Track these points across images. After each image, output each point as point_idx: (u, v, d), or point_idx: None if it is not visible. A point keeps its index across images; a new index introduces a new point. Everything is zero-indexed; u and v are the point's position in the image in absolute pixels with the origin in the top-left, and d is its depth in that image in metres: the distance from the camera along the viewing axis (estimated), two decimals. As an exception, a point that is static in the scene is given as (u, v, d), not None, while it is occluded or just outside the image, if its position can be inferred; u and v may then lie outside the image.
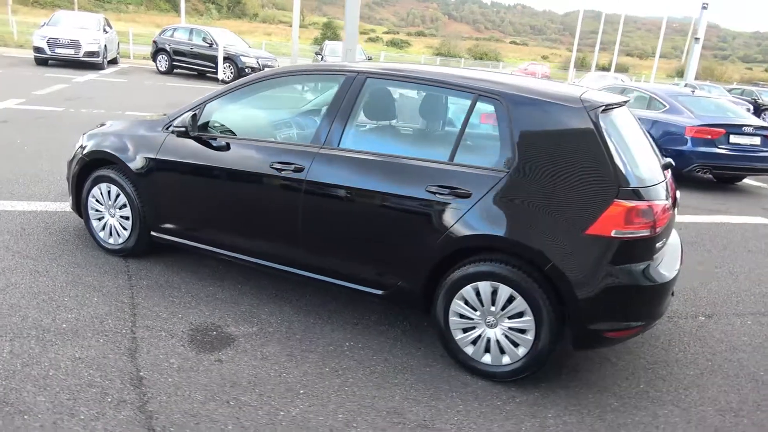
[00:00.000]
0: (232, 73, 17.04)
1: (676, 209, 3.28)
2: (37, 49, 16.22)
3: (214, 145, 3.45)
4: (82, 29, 16.99)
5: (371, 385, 2.80)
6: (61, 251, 3.98)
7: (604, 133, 2.70)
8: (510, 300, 2.77)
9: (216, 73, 17.48)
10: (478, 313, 2.87)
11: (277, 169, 3.20)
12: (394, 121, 3.36)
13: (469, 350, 2.93)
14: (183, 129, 3.43)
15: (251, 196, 3.36)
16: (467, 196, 2.79)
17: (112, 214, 3.92)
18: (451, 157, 2.91)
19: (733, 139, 8.08)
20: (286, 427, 2.44)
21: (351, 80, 3.19)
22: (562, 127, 2.75)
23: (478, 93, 2.93)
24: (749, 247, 5.72)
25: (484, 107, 2.92)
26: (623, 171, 2.68)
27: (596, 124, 2.70)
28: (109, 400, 2.50)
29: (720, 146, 8.02)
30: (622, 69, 52.74)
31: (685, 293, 4.34)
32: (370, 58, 20.35)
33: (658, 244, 2.77)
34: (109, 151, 3.81)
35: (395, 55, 44.26)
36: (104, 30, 17.83)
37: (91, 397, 2.51)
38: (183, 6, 28.27)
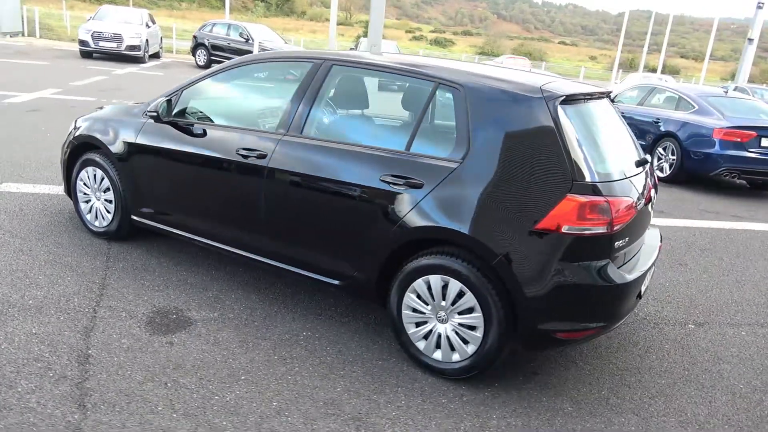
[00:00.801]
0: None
1: (650, 208, 3.11)
2: (82, 42, 16.87)
3: (186, 130, 3.47)
4: (126, 24, 17.57)
5: (316, 375, 2.76)
6: (50, 232, 4.10)
7: (563, 125, 2.58)
8: (460, 295, 2.68)
9: (252, 68, 17.74)
10: (429, 307, 2.79)
11: (242, 155, 3.20)
12: (357, 109, 3.31)
13: (421, 345, 2.86)
14: (155, 114, 3.47)
15: (219, 182, 3.36)
16: (420, 186, 2.72)
17: (98, 198, 4.00)
18: (408, 146, 2.83)
19: (765, 142, 7.65)
20: (217, 412, 2.43)
21: (317, 67, 3.15)
22: (518, 117, 2.64)
23: (438, 81, 2.85)
24: (767, 256, 5.40)
25: (444, 95, 2.84)
26: (581, 164, 2.55)
27: (555, 115, 2.58)
28: (51, 375, 2.55)
29: (750, 150, 7.61)
30: (674, 71, 50.84)
31: (680, 300, 4.12)
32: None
33: (618, 243, 2.62)
34: (93, 135, 3.90)
35: (438, 54, 44.00)
36: (147, 25, 18.37)
37: (34, 371, 2.56)
38: (228, 2, 28.83)
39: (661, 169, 8.44)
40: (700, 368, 3.21)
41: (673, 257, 5.03)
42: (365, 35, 44.42)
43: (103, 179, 3.92)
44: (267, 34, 18.74)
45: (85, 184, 4.06)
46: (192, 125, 3.47)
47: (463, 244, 2.64)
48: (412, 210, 2.72)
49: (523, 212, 2.53)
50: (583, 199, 2.48)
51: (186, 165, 3.48)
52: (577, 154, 2.56)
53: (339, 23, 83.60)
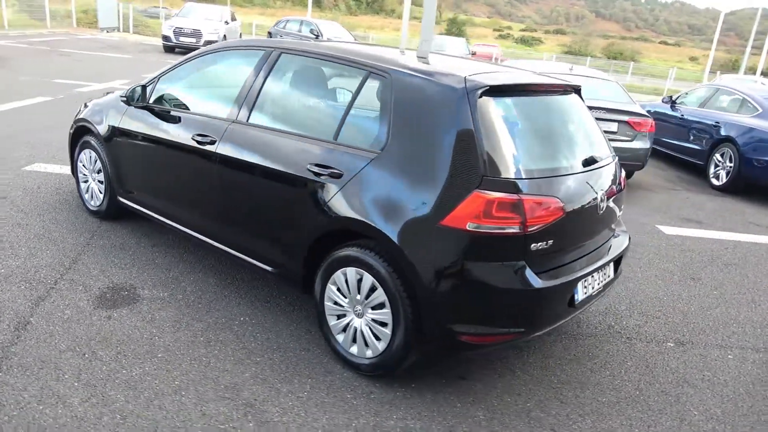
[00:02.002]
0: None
1: (609, 210, 2.86)
2: (165, 38, 17.98)
3: (157, 115, 3.61)
4: (206, 20, 18.51)
5: (231, 360, 2.78)
6: (53, 209, 4.40)
7: (482, 116, 2.43)
8: (373, 289, 2.61)
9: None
10: (347, 300, 2.74)
11: (197, 141, 3.28)
12: (301, 97, 3.28)
13: (340, 338, 2.81)
14: (125, 98, 3.62)
15: (178, 165, 3.47)
16: (339, 176, 2.67)
17: (93, 179, 4.25)
18: (336, 136, 2.79)
19: (837, 151, 6.84)
20: (117, 385, 2.51)
21: (267, 55, 3.18)
22: (436, 107, 2.52)
23: (369, 70, 2.78)
24: (805, 276, 4.83)
25: (373, 84, 2.76)
26: (497, 159, 2.40)
27: (473, 106, 2.44)
28: (-15, 338, 2.74)
29: (818, 159, 6.83)
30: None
31: (671, 315, 3.78)
32: (474, 53, 19.91)
33: (537, 245, 2.43)
34: (87, 118, 4.14)
35: (522, 53, 42.86)
36: (226, 21, 19.26)
37: (-28, 333, 2.76)
38: (310, 0, 29.62)
39: (717, 177, 7.77)
40: (656, 389, 2.93)
41: (686, 271, 4.62)
42: (448, 33, 44.27)
43: (96, 161, 4.16)
44: (337, 31, 19.07)
45: (84, 165, 4.32)
46: (161, 110, 3.60)
47: (373, 237, 2.57)
48: (331, 200, 2.68)
49: (431, 206, 2.41)
50: (491, 195, 2.33)
51: (153, 148, 3.62)
52: (495, 148, 2.41)
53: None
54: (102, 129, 3.99)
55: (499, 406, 2.66)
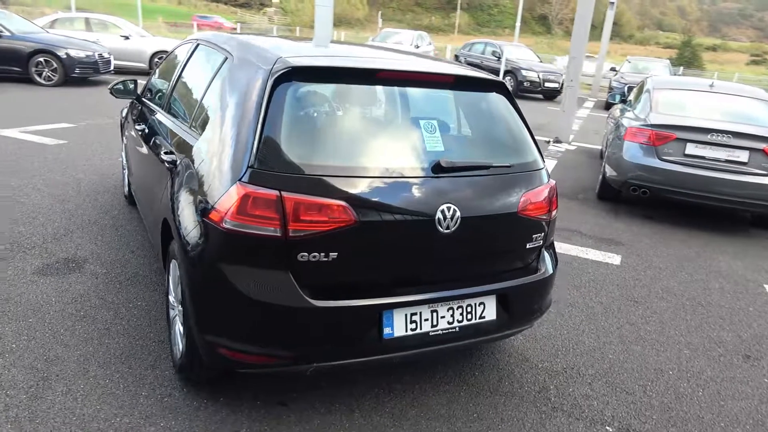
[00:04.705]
0: (511, 85, 17.05)
1: (480, 231, 2.23)
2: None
3: (142, 107, 3.90)
4: (395, 44, 19.44)
5: (82, 337, 2.83)
6: (103, 191, 5.02)
7: (273, 101, 2.11)
8: (178, 285, 2.44)
9: (500, 86, 17.70)
10: (173, 294, 2.60)
11: (140, 129, 3.47)
12: (190, 86, 3.17)
13: (172, 333, 2.67)
14: (109, 89, 3.96)
15: (137, 153, 3.69)
16: (176, 163, 2.57)
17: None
18: (192, 123, 2.69)
19: None
20: (-33, 337, 2.74)
21: (191, 47, 3.22)
22: (240, 89, 2.27)
23: (226, 54, 2.65)
24: None
25: (225, 68, 2.59)
26: (273, 148, 2.06)
27: (268, 89, 2.12)
28: (-73, 281, 3.23)
29: None
30: None
31: (655, 395, 2.80)
32: (675, 74, 17.43)
33: (305, 255, 2.01)
34: (121, 112, 4.66)
35: (753, 78, 35.85)
36: (416, 45, 20.00)
37: (-74, 276, 3.28)
38: (518, 25, 29.18)
39: None
40: (516, 477, 2.19)
41: (746, 345, 3.40)
42: (679, 56, 39.62)
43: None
44: (520, 53, 18.41)
45: (124, 155, 4.86)
46: (143, 103, 3.88)
47: (173, 228, 2.40)
48: (166, 187, 2.59)
49: (204, 199, 2.17)
50: (248, 189, 2.01)
51: (130, 138, 3.92)
52: (275, 137, 2.07)
53: (669, 46, 75.80)
54: (121, 121, 4.45)
55: (288, 443, 2.26)
